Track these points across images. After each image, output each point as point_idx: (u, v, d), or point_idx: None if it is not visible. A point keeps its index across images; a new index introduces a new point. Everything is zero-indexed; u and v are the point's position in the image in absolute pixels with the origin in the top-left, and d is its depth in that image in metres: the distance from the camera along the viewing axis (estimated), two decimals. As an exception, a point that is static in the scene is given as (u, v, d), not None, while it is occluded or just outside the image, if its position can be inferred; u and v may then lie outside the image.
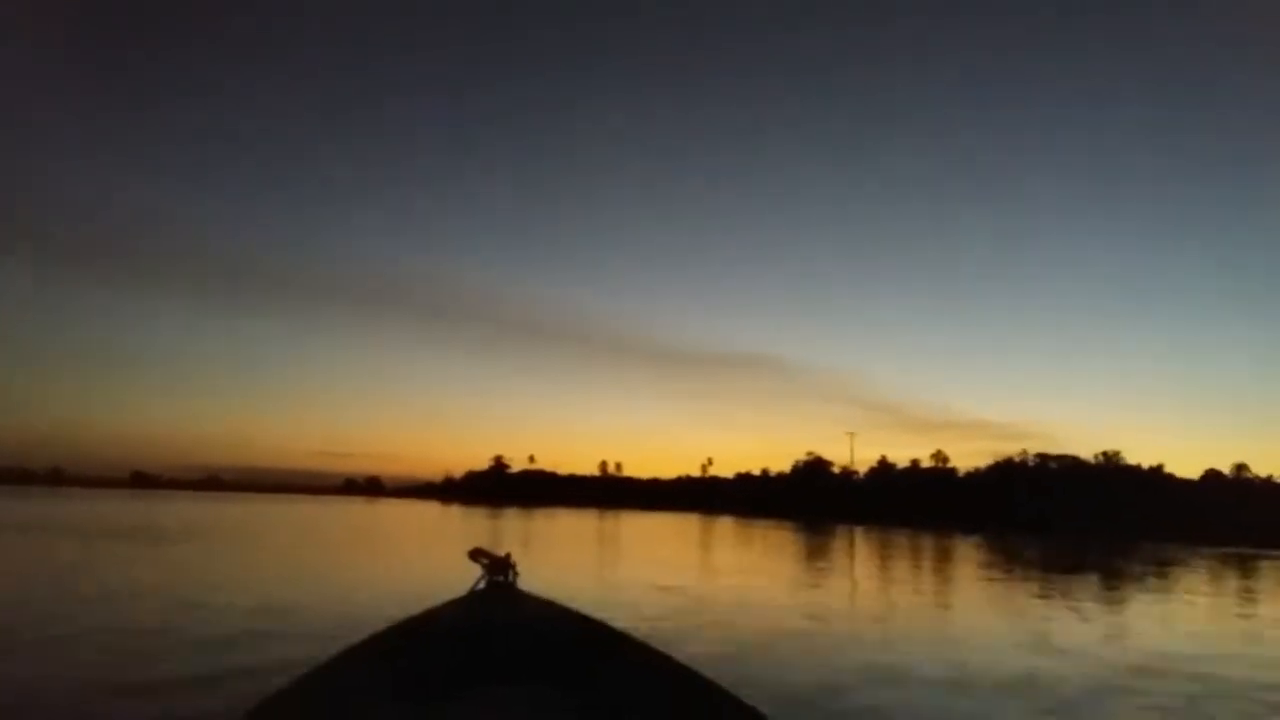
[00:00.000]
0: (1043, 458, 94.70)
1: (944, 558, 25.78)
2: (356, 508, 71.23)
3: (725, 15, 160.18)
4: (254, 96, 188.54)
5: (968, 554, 28.47)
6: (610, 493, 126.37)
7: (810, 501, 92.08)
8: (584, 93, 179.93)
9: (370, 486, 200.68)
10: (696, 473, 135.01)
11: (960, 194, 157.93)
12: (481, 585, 3.67)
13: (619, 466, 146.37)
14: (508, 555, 3.79)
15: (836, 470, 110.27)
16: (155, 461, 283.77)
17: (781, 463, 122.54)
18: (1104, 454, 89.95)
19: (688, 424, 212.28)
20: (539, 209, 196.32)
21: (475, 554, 3.76)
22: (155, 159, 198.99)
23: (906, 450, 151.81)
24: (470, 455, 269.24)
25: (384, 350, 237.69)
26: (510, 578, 3.71)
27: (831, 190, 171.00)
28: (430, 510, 68.57)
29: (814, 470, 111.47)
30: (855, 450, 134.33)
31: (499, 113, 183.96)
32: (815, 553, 25.64)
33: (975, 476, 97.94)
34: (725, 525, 54.50)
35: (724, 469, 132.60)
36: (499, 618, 3.37)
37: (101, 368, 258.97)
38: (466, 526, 36.02)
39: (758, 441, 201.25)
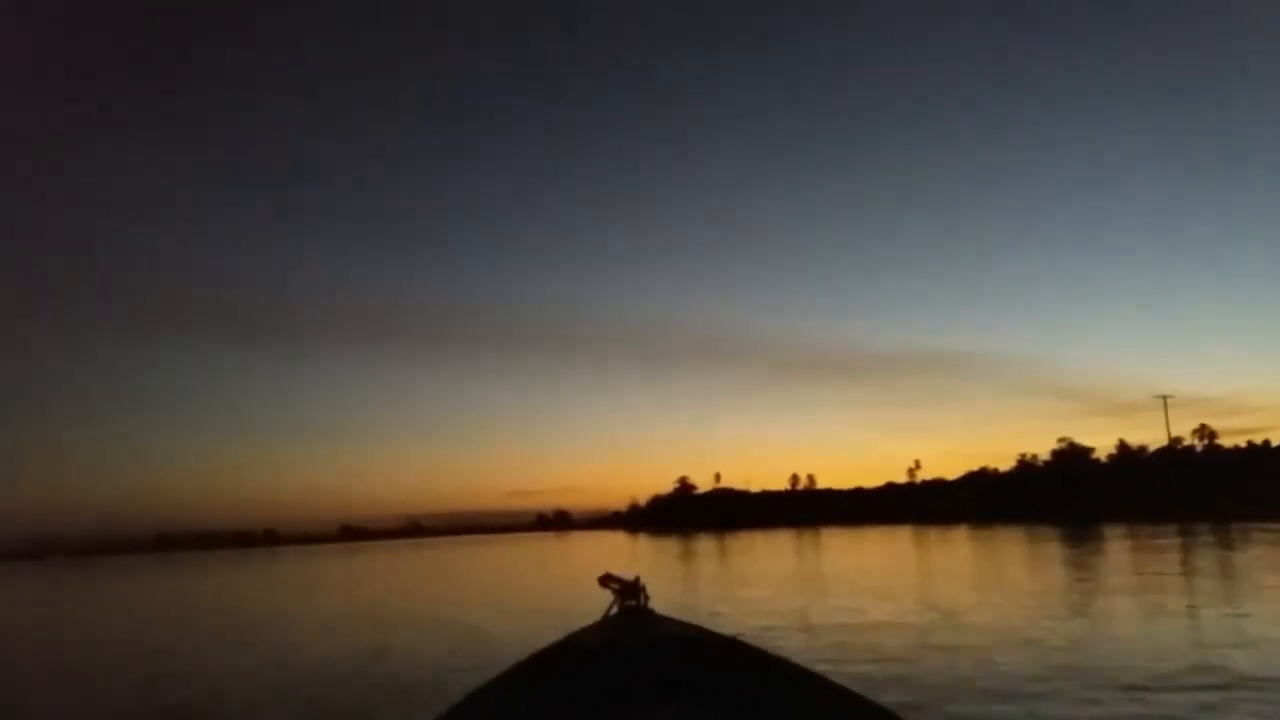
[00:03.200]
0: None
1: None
2: (545, 545, 67.01)
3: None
4: (411, 149, 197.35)
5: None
6: (807, 507, 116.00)
7: (1063, 499, 77.43)
8: (734, 101, 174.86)
9: (559, 521, 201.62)
10: (902, 478, 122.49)
11: (1180, 169, 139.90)
12: (614, 610, 3.69)
13: (811, 479, 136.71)
14: (637, 579, 3.81)
15: (1103, 458, 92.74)
16: (360, 514, 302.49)
17: (1000, 460, 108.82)
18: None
19: (880, 428, 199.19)
20: (711, 227, 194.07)
21: (605, 580, 3.79)
22: (324, 228, 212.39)
23: (1110, 437, 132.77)
24: (655, 480, 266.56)
25: (565, 385, 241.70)
26: (642, 601, 3.72)
27: (1021, 180, 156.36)
28: (614, 542, 63.25)
29: (1071, 460, 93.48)
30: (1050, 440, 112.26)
31: (652, 136, 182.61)
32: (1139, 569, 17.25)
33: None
34: (959, 537, 44.77)
35: (935, 472, 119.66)
36: (635, 640, 3.37)
37: (306, 427, 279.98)
38: (652, 560, 29.87)
39: (965, 441, 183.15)
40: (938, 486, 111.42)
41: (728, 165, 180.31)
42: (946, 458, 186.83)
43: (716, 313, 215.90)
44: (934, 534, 49.57)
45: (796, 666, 3.12)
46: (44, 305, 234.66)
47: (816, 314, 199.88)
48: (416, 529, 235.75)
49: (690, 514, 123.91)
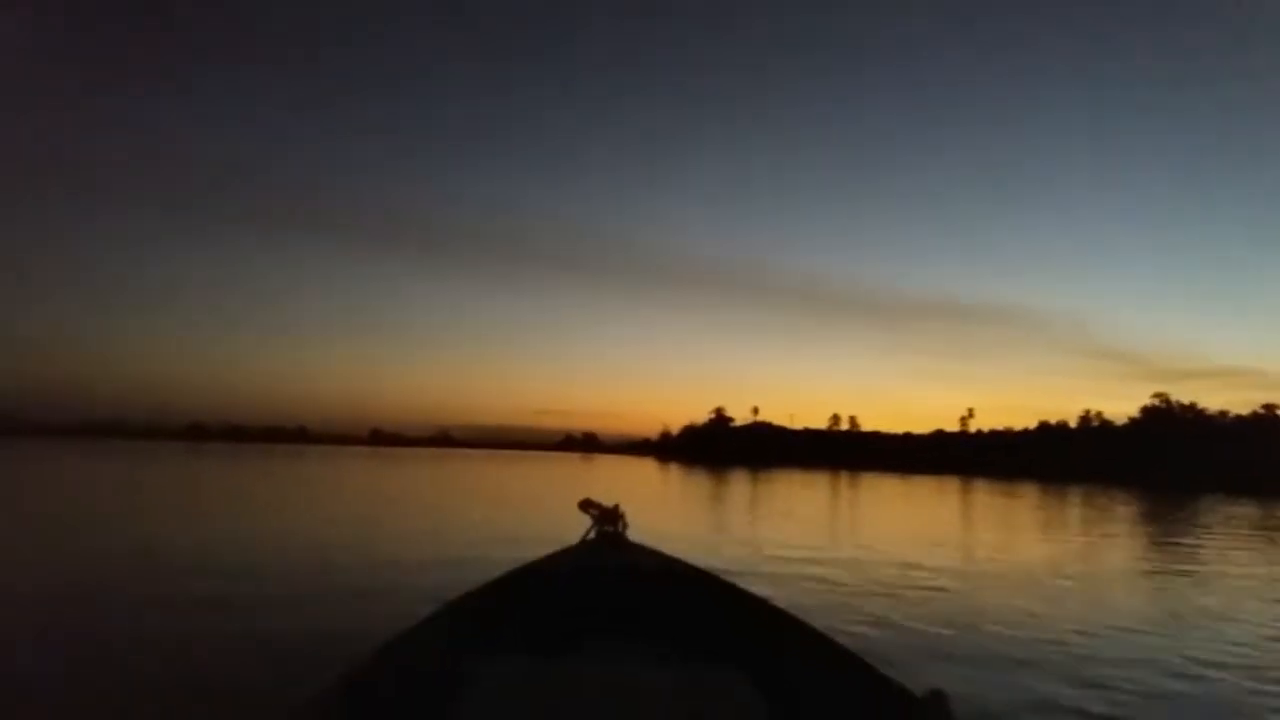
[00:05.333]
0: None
1: None
2: (573, 467, 63.12)
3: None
4: (505, 82, 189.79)
5: None
6: (849, 449, 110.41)
7: (1148, 462, 70.29)
8: (789, 55, 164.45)
9: (586, 443, 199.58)
10: (953, 426, 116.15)
11: (1210, 131, 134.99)
12: (591, 535, 3.62)
13: (853, 420, 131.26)
14: (616, 506, 3.73)
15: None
16: (391, 419, 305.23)
17: (1057, 416, 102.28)
18: None
19: (927, 375, 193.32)
20: (764, 167, 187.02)
21: (585, 505, 3.72)
22: (374, 136, 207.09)
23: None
24: (688, 409, 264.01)
25: (605, 309, 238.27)
26: (620, 528, 3.64)
27: (1077, 136, 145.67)
28: (645, 470, 58.94)
29: (1164, 417, 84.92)
30: (1101, 404, 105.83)
31: (720, 83, 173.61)
32: None
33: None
34: (1028, 495, 39.25)
35: (990, 423, 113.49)
36: (609, 566, 3.33)
37: (341, 332, 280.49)
38: (693, 494, 25.31)
39: (1024, 393, 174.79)
40: (999, 438, 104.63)
41: (782, 100, 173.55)
42: (1002, 410, 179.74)
43: (765, 248, 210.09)
44: (999, 490, 44.11)
45: (766, 602, 3.05)
46: (107, 207, 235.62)
47: (867, 257, 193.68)
48: (446, 439, 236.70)
49: (724, 446, 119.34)
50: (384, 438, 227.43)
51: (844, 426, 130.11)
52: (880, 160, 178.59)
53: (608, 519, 3.67)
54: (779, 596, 5.33)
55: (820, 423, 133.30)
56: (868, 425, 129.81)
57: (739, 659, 2.76)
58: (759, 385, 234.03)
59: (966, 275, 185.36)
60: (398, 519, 14.31)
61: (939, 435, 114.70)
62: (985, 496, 35.26)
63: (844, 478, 56.46)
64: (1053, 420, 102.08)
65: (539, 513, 16.41)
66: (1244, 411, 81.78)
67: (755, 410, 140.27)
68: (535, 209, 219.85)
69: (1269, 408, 79.06)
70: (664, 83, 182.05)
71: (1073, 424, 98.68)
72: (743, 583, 3.34)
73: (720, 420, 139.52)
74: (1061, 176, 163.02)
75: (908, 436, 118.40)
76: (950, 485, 48.75)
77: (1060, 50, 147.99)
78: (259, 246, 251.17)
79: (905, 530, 15.53)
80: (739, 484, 38.63)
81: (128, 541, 9.80)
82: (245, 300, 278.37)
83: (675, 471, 56.95)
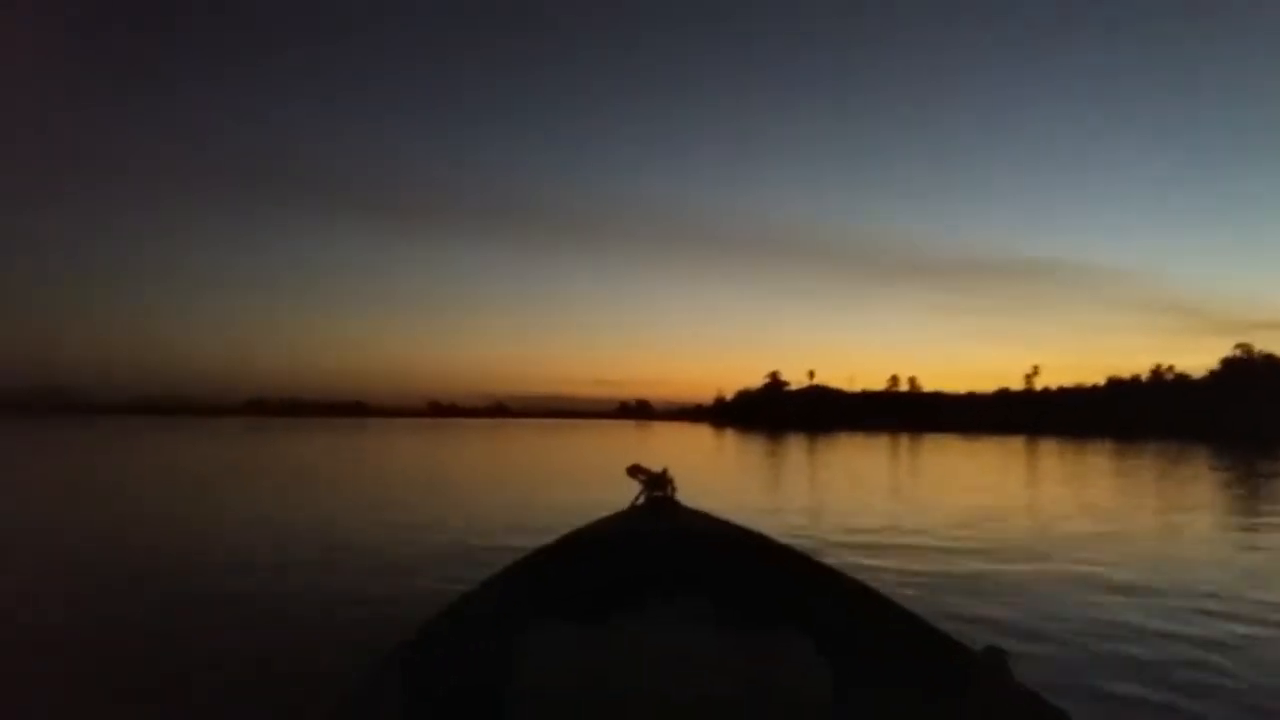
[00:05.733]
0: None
1: None
2: (628, 434, 62.69)
3: None
4: (551, 54, 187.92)
5: None
6: (909, 411, 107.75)
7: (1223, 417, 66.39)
8: (847, 17, 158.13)
9: (640, 410, 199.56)
10: (1017, 385, 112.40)
11: (1246, 94, 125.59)
12: (641, 500, 3.56)
13: (913, 381, 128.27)
14: (665, 470, 3.67)
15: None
16: (448, 391, 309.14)
17: (1130, 370, 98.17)
18: None
19: (986, 334, 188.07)
20: (811, 130, 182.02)
21: (633, 470, 3.68)
22: (432, 111, 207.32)
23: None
24: (742, 374, 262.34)
25: (657, 276, 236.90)
26: (669, 492, 3.59)
27: (1127, 82, 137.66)
28: (700, 436, 58.07)
29: (1245, 369, 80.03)
30: (1177, 358, 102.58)
31: (772, 46, 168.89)
32: None
33: None
34: (1104, 454, 37.29)
35: (1055, 380, 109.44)
36: (660, 530, 3.30)
37: (397, 307, 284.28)
38: (751, 461, 24.32)
39: (1085, 352, 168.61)
40: (1067, 395, 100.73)
41: (837, 60, 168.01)
42: (1068, 368, 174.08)
43: (816, 210, 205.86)
44: (1076, 449, 42.14)
45: (820, 564, 2.99)
46: (168, 190, 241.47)
47: (924, 215, 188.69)
48: (501, 410, 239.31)
49: (779, 410, 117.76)
50: (441, 409, 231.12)
51: (903, 388, 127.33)
52: (938, 118, 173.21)
53: (656, 484, 3.60)
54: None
55: (879, 385, 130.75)
56: (928, 386, 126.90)
57: (798, 620, 2.74)
58: (815, 349, 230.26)
59: (1026, 231, 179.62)
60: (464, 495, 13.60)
61: (1003, 394, 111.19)
62: (1068, 457, 33.50)
63: (907, 440, 54.37)
64: (1124, 375, 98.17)
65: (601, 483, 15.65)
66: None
67: (811, 374, 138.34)
68: (586, 179, 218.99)
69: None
70: (716, 47, 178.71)
71: (1144, 379, 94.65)
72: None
73: (775, 384, 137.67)
74: (1122, 129, 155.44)
75: (971, 396, 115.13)
76: (1020, 445, 46.78)
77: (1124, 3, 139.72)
78: (312, 227, 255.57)
79: (998, 502, 14.29)
80: (797, 449, 37.41)
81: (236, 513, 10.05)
82: (302, 279, 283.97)
83: (730, 437, 56.02)
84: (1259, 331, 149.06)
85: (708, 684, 2.32)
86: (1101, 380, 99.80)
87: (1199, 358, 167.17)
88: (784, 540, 3.24)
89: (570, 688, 2.33)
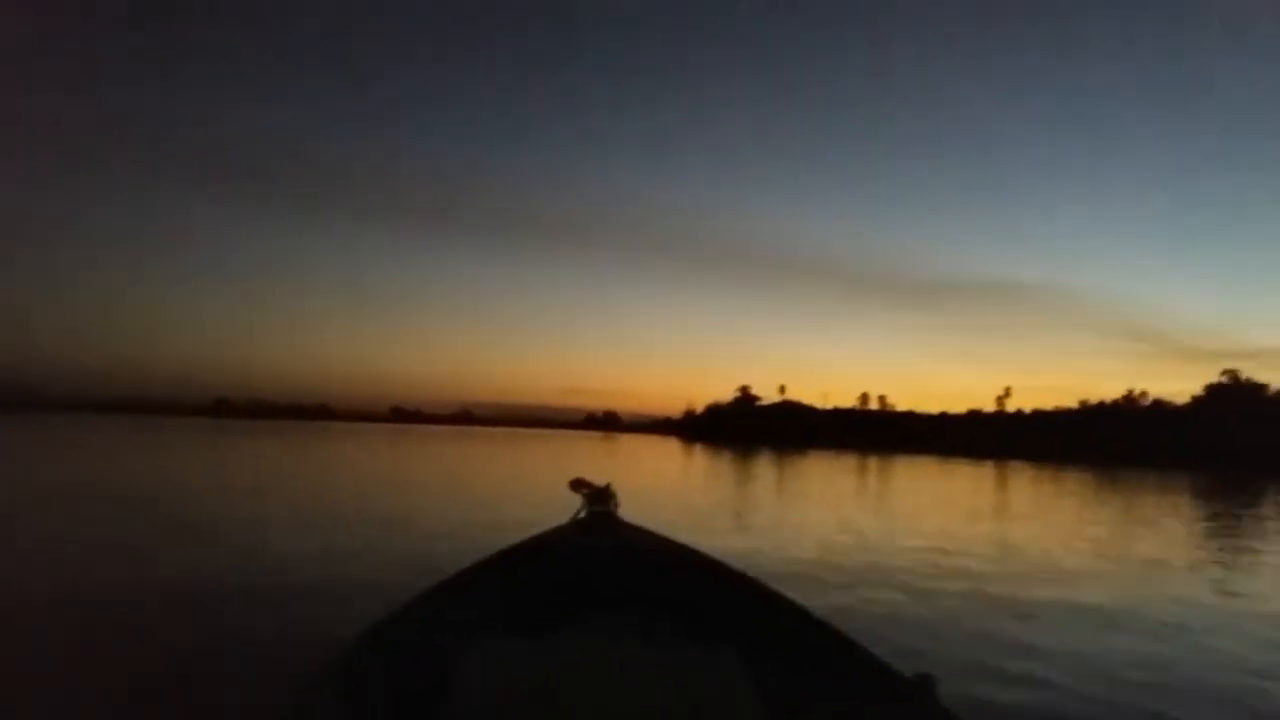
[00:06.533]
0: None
1: None
2: (595, 446, 60.77)
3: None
4: (532, 63, 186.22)
5: None
6: (881, 430, 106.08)
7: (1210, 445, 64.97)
8: (820, 29, 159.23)
9: (608, 421, 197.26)
10: (988, 406, 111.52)
11: (1229, 121, 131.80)
12: (583, 514, 3.55)
13: (883, 400, 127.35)
14: (608, 485, 3.66)
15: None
16: (413, 397, 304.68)
17: (1100, 394, 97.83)
18: None
19: (957, 355, 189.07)
20: (790, 145, 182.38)
21: (576, 484, 3.66)
22: (400, 111, 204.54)
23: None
24: (714, 387, 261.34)
25: (629, 287, 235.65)
26: (611, 508, 3.59)
27: (1107, 106, 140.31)
28: (667, 451, 56.07)
29: (1229, 395, 79.24)
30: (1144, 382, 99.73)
31: (747, 57, 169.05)
32: None
33: None
34: (1081, 482, 35.73)
35: (1028, 403, 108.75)
36: (601, 545, 3.30)
37: (364, 310, 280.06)
38: (723, 480, 22.34)
39: (1059, 374, 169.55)
40: (1041, 418, 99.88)
41: (813, 75, 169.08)
42: (1040, 390, 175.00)
43: (792, 226, 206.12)
44: (1046, 477, 40.64)
45: (758, 582, 3.02)
46: (139, 187, 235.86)
47: (896, 234, 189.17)
48: (467, 417, 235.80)
49: (749, 425, 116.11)
50: (405, 415, 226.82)
51: (873, 406, 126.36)
52: (911, 136, 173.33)
53: (599, 498, 3.56)
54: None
55: (850, 402, 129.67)
56: (899, 405, 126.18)
57: (731, 639, 2.73)
58: (785, 364, 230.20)
59: (999, 253, 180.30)
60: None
61: (975, 415, 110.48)
62: (1045, 486, 31.87)
63: (881, 460, 53.04)
64: (1095, 400, 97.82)
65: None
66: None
67: (782, 389, 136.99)
68: (559, 187, 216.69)
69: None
70: (688, 58, 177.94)
71: (1109, 404, 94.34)
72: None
73: (746, 399, 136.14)
74: (1098, 153, 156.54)
75: (943, 416, 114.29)
76: (996, 470, 45.30)
77: (1100, 26, 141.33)
78: (284, 228, 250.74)
79: (1008, 538, 12.26)
80: (766, 467, 35.65)
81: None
82: (272, 280, 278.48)
83: (699, 452, 54.37)
84: (1231, 360, 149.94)
85: (640, 702, 2.33)
86: (1074, 403, 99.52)
87: (1169, 384, 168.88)
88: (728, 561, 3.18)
89: (505, 701, 2.33)
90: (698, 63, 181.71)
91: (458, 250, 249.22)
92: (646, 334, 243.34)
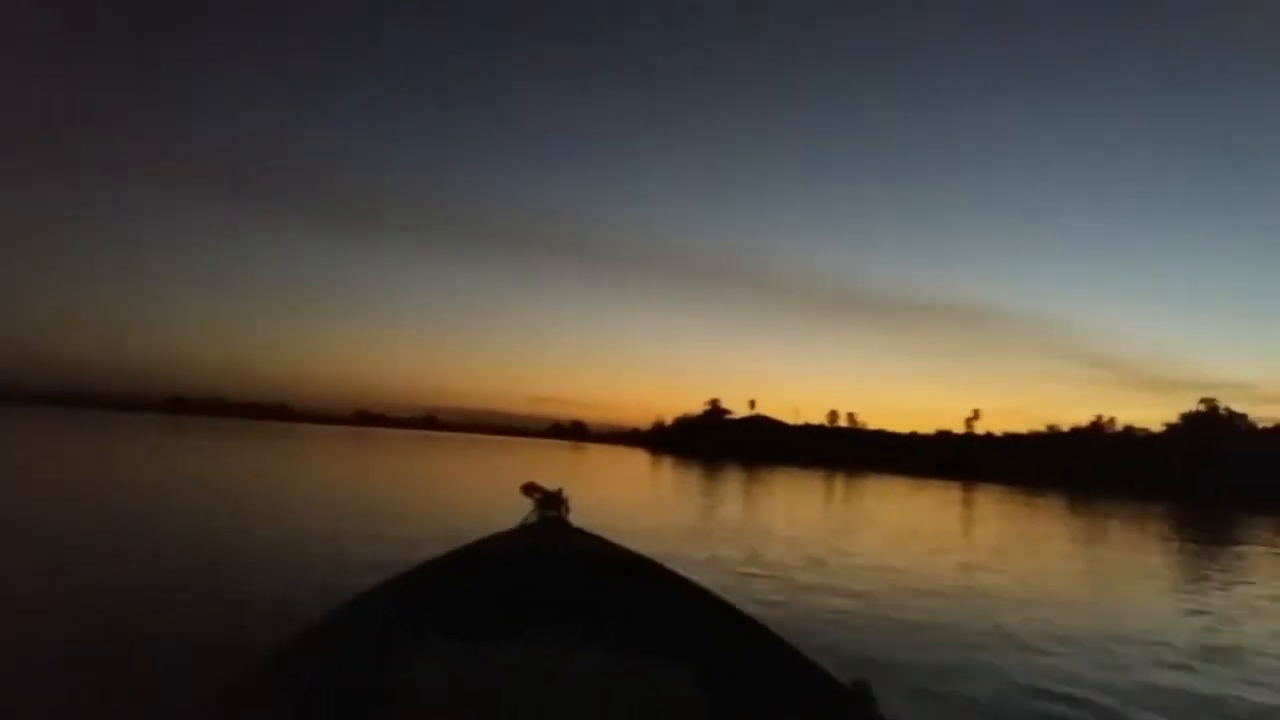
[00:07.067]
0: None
1: None
2: (563, 455, 59.41)
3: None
4: (497, 67, 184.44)
5: None
6: (850, 447, 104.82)
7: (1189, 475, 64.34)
8: (794, 51, 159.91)
9: (575, 431, 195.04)
10: (958, 427, 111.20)
11: (1203, 153, 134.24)
12: (533, 519, 3.52)
13: (852, 417, 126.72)
14: (560, 490, 3.63)
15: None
16: (378, 400, 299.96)
17: (1070, 420, 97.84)
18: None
19: (927, 375, 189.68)
20: (766, 162, 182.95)
21: (528, 489, 3.62)
22: (366, 118, 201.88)
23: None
24: (685, 400, 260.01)
25: (600, 297, 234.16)
26: (562, 513, 3.55)
27: (1078, 132, 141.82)
28: (635, 462, 54.61)
29: (1206, 423, 78.24)
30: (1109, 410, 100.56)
31: (725, 74, 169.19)
32: None
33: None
34: (1056, 508, 34.66)
35: (997, 426, 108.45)
36: (549, 550, 3.27)
37: (329, 310, 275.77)
38: (690, 495, 20.82)
39: (1027, 397, 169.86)
40: (1011, 441, 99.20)
41: (789, 94, 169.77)
42: (1008, 413, 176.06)
43: (765, 242, 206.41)
44: (1020, 502, 39.60)
45: (705, 591, 3.02)
46: (101, 182, 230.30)
47: (869, 255, 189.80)
48: (431, 422, 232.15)
49: (719, 439, 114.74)
50: (369, 418, 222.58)
51: (843, 423, 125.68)
52: (888, 160, 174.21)
53: (550, 503, 3.53)
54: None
55: (819, 419, 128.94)
56: (869, 423, 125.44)
57: (676, 646, 2.72)
58: (757, 379, 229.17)
59: (970, 277, 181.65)
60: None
61: (945, 436, 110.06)
62: (1020, 517, 30.73)
63: (855, 480, 51.93)
64: (1060, 425, 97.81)
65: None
66: (1269, 425, 77.23)
67: (752, 403, 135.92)
68: (531, 196, 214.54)
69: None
70: (666, 70, 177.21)
71: (1078, 429, 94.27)
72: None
73: (716, 412, 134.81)
74: (1070, 180, 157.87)
75: (913, 436, 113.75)
76: (972, 495, 44.22)
77: (1061, 51, 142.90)
78: (249, 227, 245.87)
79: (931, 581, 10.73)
80: (734, 484, 34.33)
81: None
82: (236, 278, 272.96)
83: (666, 464, 53.22)
84: (1194, 391, 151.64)
85: (583, 708, 2.32)
86: (1042, 427, 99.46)
87: (1134, 412, 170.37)
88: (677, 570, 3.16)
89: (445, 705, 2.31)
90: (672, 76, 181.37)
91: (429, 255, 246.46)
92: (617, 345, 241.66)
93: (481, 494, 17.23)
